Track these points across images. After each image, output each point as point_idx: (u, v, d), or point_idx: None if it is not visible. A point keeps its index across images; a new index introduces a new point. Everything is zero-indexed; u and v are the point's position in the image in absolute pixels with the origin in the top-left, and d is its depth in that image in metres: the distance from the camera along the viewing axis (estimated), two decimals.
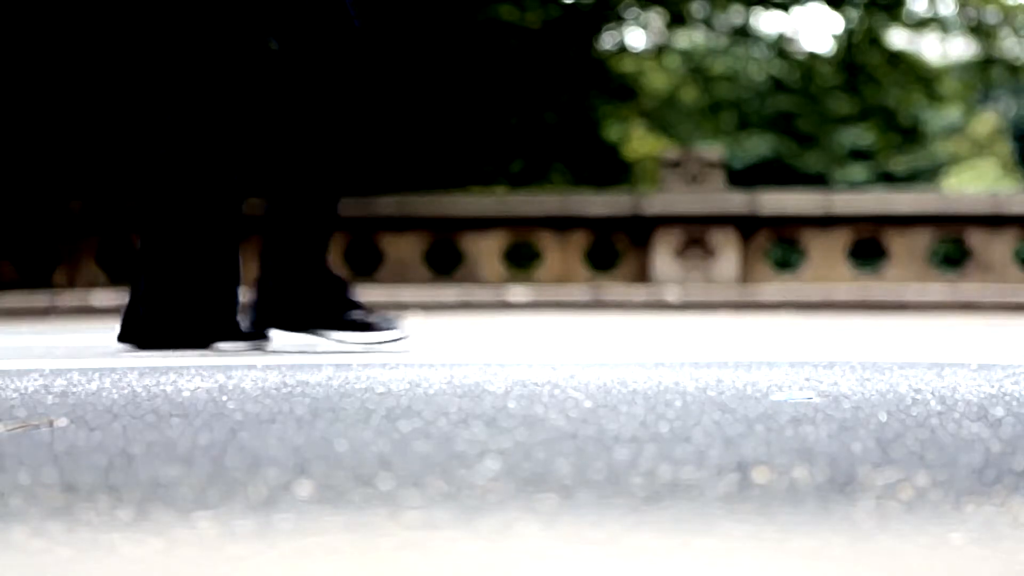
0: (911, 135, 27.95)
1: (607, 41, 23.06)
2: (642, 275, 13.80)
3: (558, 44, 20.69)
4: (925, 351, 5.05)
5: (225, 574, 1.35)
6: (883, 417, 2.45)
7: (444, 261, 14.26)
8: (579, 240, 14.02)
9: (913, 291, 12.45)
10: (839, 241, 13.80)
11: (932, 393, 2.87)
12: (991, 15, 21.30)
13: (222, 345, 4.98)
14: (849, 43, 21.61)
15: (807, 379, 3.21)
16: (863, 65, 21.77)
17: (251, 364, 3.88)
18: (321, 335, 5.01)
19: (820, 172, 29.58)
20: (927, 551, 1.43)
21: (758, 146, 29.96)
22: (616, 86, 23.10)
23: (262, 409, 2.60)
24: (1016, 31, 21.45)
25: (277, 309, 5.03)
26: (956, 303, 11.71)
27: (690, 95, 26.68)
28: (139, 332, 4.96)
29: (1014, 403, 2.69)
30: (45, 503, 1.69)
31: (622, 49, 24.05)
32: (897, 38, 23.14)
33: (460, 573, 1.33)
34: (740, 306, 11.80)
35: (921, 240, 13.75)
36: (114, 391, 2.98)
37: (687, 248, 13.70)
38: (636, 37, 25.72)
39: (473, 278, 13.85)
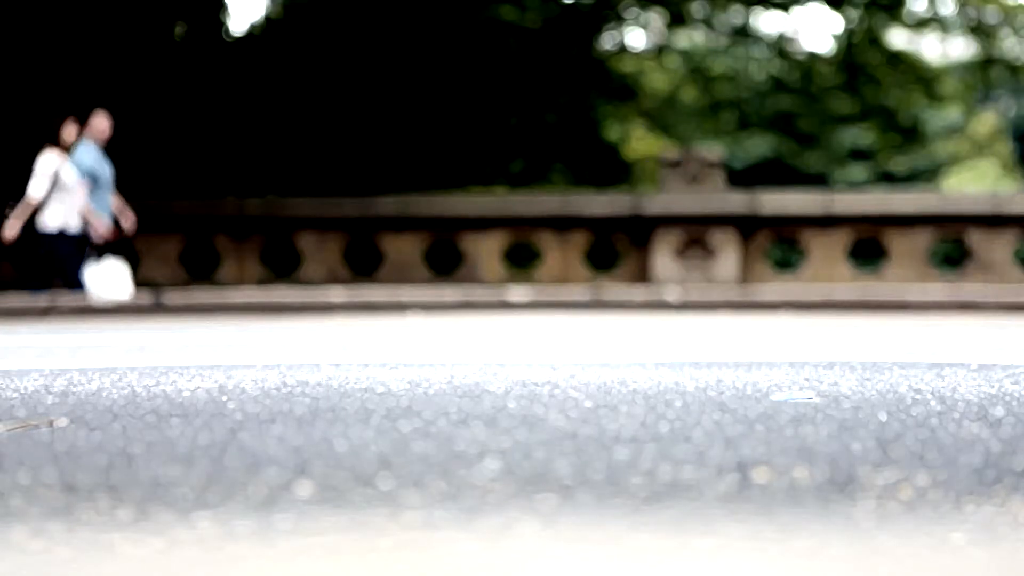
0: (911, 135, 27.94)
1: (607, 41, 23.06)
2: (642, 275, 13.80)
3: (558, 44, 20.69)
4: (925, 351, 5.05)
5: (225, 574, 1.34)
6: (883, 417, 2.44)
7: (444, 261, 14.26)
8: (579, 240, 14.03)
9: (913, 291, 12.45)
10: (839, 241, 13.80)
11: (932, 393, 2.86)
12: (991, 15, 21.29)
13: None
14: (849, 43, 21.61)
15: (807, 379, 3.20)
16: (863, 65, 21.77)
17: (251, 364, 3.88)
18: None
19: (820, 172, 29.57)
20: (927, 551, 1.43)
21: (758, 146, 29.93)
22: (616, 86, 23.10)
23: (262, 409, 2.60)
24: (1016, 31, 21.44)
25: None
26: (956, 303, 11.71)
27: (690, 95, 26.68)
28: None
29: (1014, 403, 2.68)
30: (45, 503, 1.69)
31: (622, 49, 24.05)
32: (897, 38, 23.13)
33: (460, 573, 1.33)
34: (740, 306, 11.80)
35: (921, 240, 13.75)
36: (114, 391, 2.98)
37: (687, 248, 13.70)
38: (636, 37, 25.71)
39: (473, 278, 13.85)
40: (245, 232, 14.29)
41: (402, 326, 8.56)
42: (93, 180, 11.90)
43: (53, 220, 11.77)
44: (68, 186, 11.66)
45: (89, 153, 11.97)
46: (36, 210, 11.73)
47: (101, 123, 12.19)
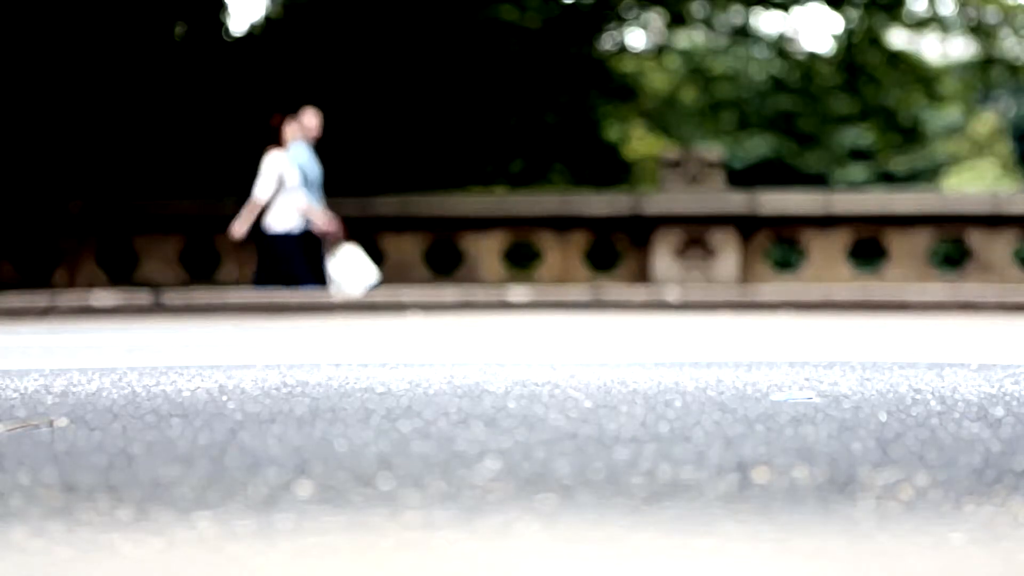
0: (911, 135, 27.93)
1: (607, 41, 23.04)
2: (642, 275, 13.80)
3: (558, 44, 20.68)
4: (925, 351, 5.05)
5: (225, 574, 1.34)
6: (883, 417, 2.44)
7: (444, 261, 14.26)
8: (579, 240, 14.03)
9: (913, 291, 12.45)
10: (839, 241, 13.80)
11: (932, 393, 2.86)
12: (991, 15, 21.28)
13: None
14: (849, 43, 21.60)
15: (807, 379, 3.20)
16: (863, 65, 21.76)
17: (251, 364, 3.88)
18: None
19: (820, 172, 29.57)
20: (927, 551, 1.43)
21: (758, 146, 29.92)
22: (616, 86, 23.09)
23: (262, 409, 2.60)
24: (1016, 31, 21.43)
25: None
26: (956, 303, 11.71)
27: (690, 95, 26.66)
28: None
29: (1014, 403, 2.68)
30: (45, 503, 1.69)
31: (622, 49, 24.04)
32: (897, 38, 23.11)
33: (460, 573, 1.33)
34: (740, 306, 11.79)
35: (921, 240, 13.75)
36: (114, 391, 2.97)
37: (687, 248, 13.70)
38: (636, 37, 25.68)
39: (473, 278, 13.85)
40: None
41: (402, 326, 8.56)
42: (303, 178, 11.94)
43: (277, 222, 11.80)
44: (290, 186, 11.69)
45: (301, 151, 12.01)
46: (263, 211, 11.78)
47: (311, 120, 12.19)
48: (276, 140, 11.76)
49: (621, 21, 22.88)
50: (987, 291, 12.29)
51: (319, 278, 11.95)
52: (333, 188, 17.72)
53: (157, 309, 11.43)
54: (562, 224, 13.97)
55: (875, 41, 21.57)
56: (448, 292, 12.32)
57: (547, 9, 20.87)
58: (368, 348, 5.20)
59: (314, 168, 12.10)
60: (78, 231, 13.97)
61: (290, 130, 11.85)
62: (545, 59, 20.56)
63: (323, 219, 11.87)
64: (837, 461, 1.99)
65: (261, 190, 11.62)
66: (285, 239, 11.78)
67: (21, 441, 2.24)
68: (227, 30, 20.31)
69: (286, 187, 11.65)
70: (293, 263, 11.82)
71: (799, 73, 23.55)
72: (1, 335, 7.47)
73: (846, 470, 1.92)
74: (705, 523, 1.59)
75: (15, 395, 2.95)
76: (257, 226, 11.80)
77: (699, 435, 2.23)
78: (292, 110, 12.32)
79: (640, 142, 27.12)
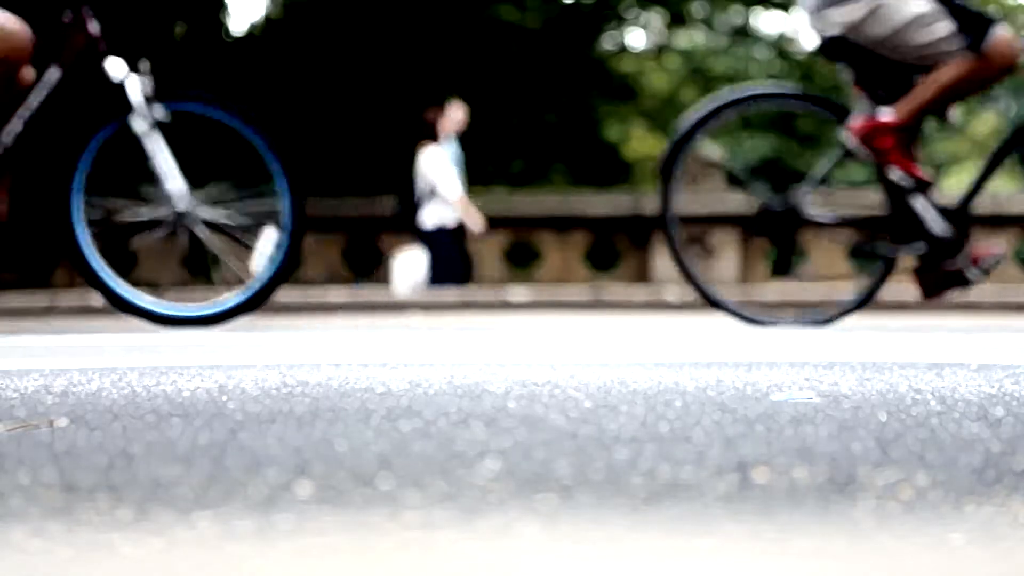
0: None
1: (607, 41, 23.06)
2: (642, 275, 13.80)
3: (558, 44, 20.69)
4: (925, 351, 5.05)
5: (225, 574, 1.35)
6: (883, 417, 2.44)
7: None
8: (579, 240, 14.02)
9: (912, 291, 12.43)
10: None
11: (932, 393, 2.86)
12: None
13: None
14: None
15: (807, 379, 3.20)
16: None
17: (251, 364, 3.87)
18: None
19: None
20: (927, 551, 1.43)
21: (758, 146, 29.93)
22: (616, 86, 23.12)
23: (262, 409, 2.60)
24: (1016, 31, 21.47)
25: None
26: (955, 303, 11.70)
27: (690, 95, 26.68)
28: None
29: (1014, 403, 2.68)
30: (45, 503, 1.69)
31: (622, 49, 24.07)
32: None
33: (460, 573, 1.33)
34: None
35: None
36: (114, 391, 2.97)
37: (687, 248, 13.71)
38: (636, 37, 25.74)
39: (473, 278, 13.85)
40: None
41: (402, 326, 8.56)
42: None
43: (431, 218, 11.78)
44: (449, 181, 11.70)
45: (451, 144, 12.02)
46: (417, 209, 11.76)
47: (457, 113, 12.18)
48: (432, 135, 11.76)
49: (621, 21, 22.90)
50: (987, 291, 12.29)
51: (467, 275, 11.97)
52: (333, 188, 17.72)
53: None
54: (562, 224, 13.97)
55: None
56: (448, 292, 12.32)
57: (547, 9, 20.87)
58: (368, 348, 5.20)
59: (461, 161, 12.14)
60: None
61: (445, 124, 11.86)
62: (545, 59, 20.57)
63: (475, 214, 11.90)
64: (837, 461, 1.99)
65: (449, 187, 11.59)
66: (440, 235, 11.79)
67: (21, 441, 2.24)
68: (227, 30, 20.30)
69: (445, 182, 11.66)
70: (447, 259, 11.83)
71: (799, 73, 23.56)
72: (1, 335, 7.47)
73: (846, 470, 1.93)
74: (705, 523, 1.59)
75: (15, 395, 2.95)
76: (413, 223, 11.74)
77: (699, 435, 2.23)
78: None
79: (640, 142, 27.11)
